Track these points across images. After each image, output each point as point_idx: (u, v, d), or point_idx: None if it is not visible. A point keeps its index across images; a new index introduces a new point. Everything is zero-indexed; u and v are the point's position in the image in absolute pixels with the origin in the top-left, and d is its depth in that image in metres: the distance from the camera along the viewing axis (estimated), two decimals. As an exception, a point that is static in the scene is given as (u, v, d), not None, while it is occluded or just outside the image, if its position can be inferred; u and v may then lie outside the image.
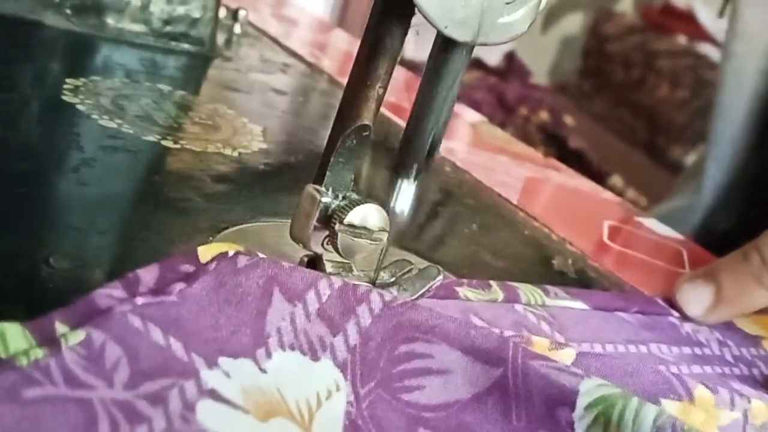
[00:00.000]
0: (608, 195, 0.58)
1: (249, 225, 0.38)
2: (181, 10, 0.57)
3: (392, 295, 0.30)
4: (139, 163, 0.40)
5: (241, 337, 0.27)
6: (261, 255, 0.29)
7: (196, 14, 0.58)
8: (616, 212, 0.55)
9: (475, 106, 1.44)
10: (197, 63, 0.58)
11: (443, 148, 0.57)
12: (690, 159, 2.27)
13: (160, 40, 0.56)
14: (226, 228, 0.37)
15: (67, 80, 0.46)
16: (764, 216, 0.94)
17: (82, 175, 0.37)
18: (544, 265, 0.44)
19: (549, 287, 0.37)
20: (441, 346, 0.29)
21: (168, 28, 0.57)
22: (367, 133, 0.32)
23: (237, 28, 0.66)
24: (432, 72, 0.32)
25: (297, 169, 0.45)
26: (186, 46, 0.57)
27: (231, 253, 0.28)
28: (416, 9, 0.29)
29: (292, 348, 0.28)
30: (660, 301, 0.40)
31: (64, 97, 0.44)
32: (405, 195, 0.33)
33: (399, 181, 0.33)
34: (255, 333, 0.27)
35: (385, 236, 0.32)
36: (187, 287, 0.27)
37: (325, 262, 0.33)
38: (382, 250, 0.34)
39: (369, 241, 0.31)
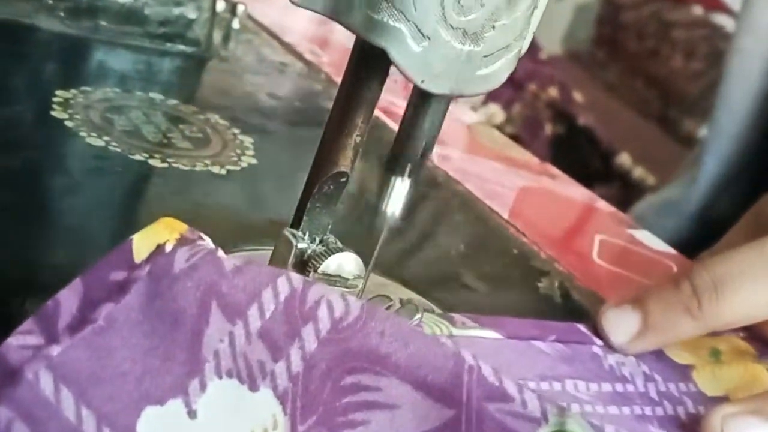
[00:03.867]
0: (602, 204, 0.58)
1: (232, 254, 0.38)
2: (176, 11, 0.57)
3: (344, 306, 0.27)
4: (124, 188, 0.40)
5: (173, 366, 0.25)
6: (205, 241, 0.27)
7: (192, 15, 0.57)
8: (608, 225, 0.55)
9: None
10: (192, 65, 0.57)
11: (438, 156, 0.57)
12: (702, 132, 2.25)
13: (155, 41, 0.56)
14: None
15: (57, 92, 0.46)
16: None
17: (65, 204, 0.37)
18: (528, 289, 0.44)
19: (456, 315, 0.35)
20: (390, 378, 0.28)
21: (163, 30, 0.56)
22: (344, 180, 0.32)
23: (236, 23, 0.66)
24: (412, 117, 0.31)
25: (286, 187, 0.45)
26: (182, 47, 0.57)
27: (169, 248, 0.26)
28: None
29: (230, 375, 0.26)
30: (582, 329, 0.38)
31: (53, 113, 0.44)
32: (398, 194, 0.32)
33: (392, 179, 0.32)
34: (190, 359, 0.25)
35: (360, 283, 0.32)
36: (115, 306, 0.25)
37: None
38: (362, 287, 0.34)
39: (345, 289, 0.32)
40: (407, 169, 0.32)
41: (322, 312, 0.27)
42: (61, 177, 0.39)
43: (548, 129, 1.51)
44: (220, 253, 0.29)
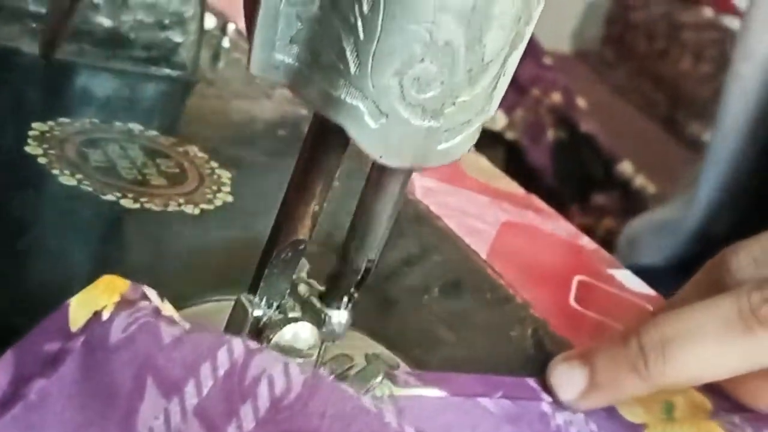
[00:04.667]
0: (585, 241, 0.58)
1: (200, 306, 0.38)
2: (162, 35, 0.56)
3: (285, 382, 0.27)
4: (93, 233, 0.40)
5: None
6: (149, 300, 0.27)
7: (178, 39, 0.57)
8: (588, 264, 0.55)
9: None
10: (178, 90, 0.57)
11: (421, 188, 0.56)
12: (709, 136, 2.24)
13: (140, 65, 0.56)
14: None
15: (34, 125, 0.46)
16: (763, 223, 0.94)
17: (31, 255, 0.37)
18: (500, 338, 0.44)
19: (400, 374, 0.35)
20: None
21: (148, 54, 0.56)
22: (302, 247, 0.31)
23: (225, 42, 0.66)
24: (370, 194, 0.31)
25: (260, 229, 0.45)
26: (167, 71, 0.57)
27: (106, 316, 0.26)
28: (351, 136, 0.28)
29: None
30: (532, 383, 0.38)
31: (27, 148, 0.44)
32: (336, 322, 0.32)
33: (329, 309, 0.32)
34: None
35: (316, 352, 0.32)
36: (48, 380, 0.25)
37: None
38: (320, 351, 0.34)
39: (299, 359, 0.31)
40: (344, 303, 0.32)
41: (262, 389, 0.26)
42: (27, 221, 0.39)
43: (550, 134, 1.50)
44: (167, 309, 0.28)
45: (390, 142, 0.28)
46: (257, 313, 0.31)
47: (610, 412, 0.38)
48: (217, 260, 0.41)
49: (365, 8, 0.26)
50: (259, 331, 0.31)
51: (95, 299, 0.26)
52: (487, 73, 0.29)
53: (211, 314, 0.37)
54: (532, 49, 1.57)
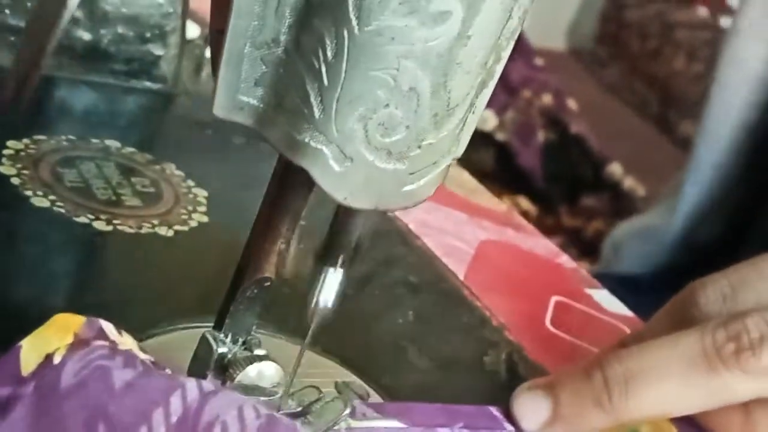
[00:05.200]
0: (564, 259, 0.58)
1: (170, 334, 0.37)
2: (142, 48, 0.56)
3: (239, 428, 0.26)
4: (64, 257, 0.40)
5: None
6: (105, 338, 0.26)
7: (159, 52, 0.57)
8: (566, 284, 0.55)
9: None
10: (158, 103, 0.57)
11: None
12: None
13: (120, 78, 0.56)
14: (142, 338, 0.36)
15: (9, 143, 0.45)
16: (746, 232, 0.94)
17: (0, 281, 0.36)
18: (473, 364, 0.44)
19: (358, 405, 0.34)
20: None
21: (128, 67, 0.56)
22: (267, 284, 0.31)
23: (208, 52, 0.65)
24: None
25: (234, 252, 0.45)
26: (148, 84, 0.57)
27: (57, 359, 0.25)
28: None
29: None
30: (495, 412, 0.37)
31: (1, 168, 0.43)
32: (330, 284, 0.32)
33: (324, 269, 0.32)
34: None
35: (280, 392, 0.32)
36: None
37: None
38: (292, 375, 0.33)
39: (263, 397, 0.31)
40: (340, 260, 0.32)
41: None
42: (-1, 243, 0.39)
43: (540, 136, 1.50)
44: (126, 342, 0.28)
45: (354, 184, 0.28)
46: (222, 350, 0.31)
47: None
48: (189, 285, 0.41)
49: (329, 54, 0.26)
50: (225, 368, 0.31)
51: (47, 341, 0.26)
52: (454, 117, 0.28)
53: (181, 343, 0.37)
54: (524, 50, 1.58)
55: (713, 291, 0.40)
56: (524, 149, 1.48)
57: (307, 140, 0.27)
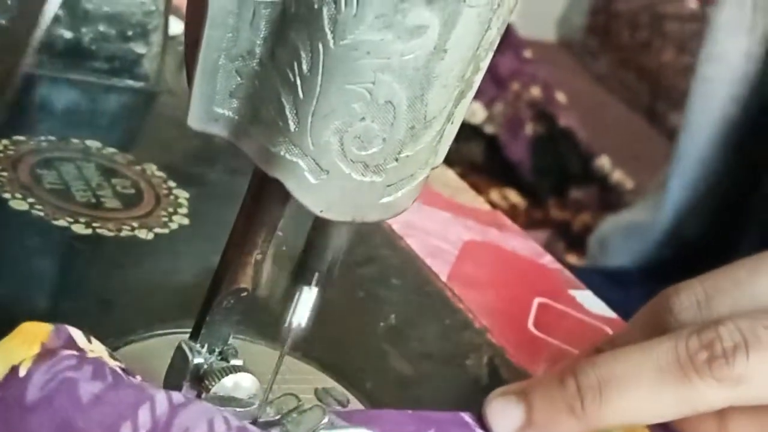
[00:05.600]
0: (547, 260, 0.57)
1: (148, 341, 0.37)
2: (124, 46, 0.56)
3: None
4: (42, 261, 0.40)
5: None
6: (74, 348, 0.26)
7: (141, 50, 0.56)
8: (550, 285, 0.55)
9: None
10: (140, 101, 0.56)
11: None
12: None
13: (102, 77, 0.55)
14: (120, 345, 0.36)
15: (-12, 144, 0.45)
16: (733, 226, 0.94)
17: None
18: (455, 367, 0.44)
19: (327, 415, 0.34)
20: None
21: (110, 65, 0.55)
22: (244, 294, 0.31)
23: (192, 48, 0.65)
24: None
25: (216, 255, 0.45)
26: (130, 82, 0.56)
27: (23, 372, 0.25)
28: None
29: None
30: (467, 418, 0.37)
31: (-21, 170, 0.43)
32: (305, 303, 0.32)
33: (299, 288, 0.32)
34: None
35: (256, 403, 0.31)
36: None
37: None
38: (269, 384, 0.33)
39: (239, 408, 0.31)
40: (315, 279, 0.32)
41: None
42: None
43: (529, 129, 1.50)
44: (96, 349, 0.28)
45: (330, 197, 0.28)
46: (197, 360, 0.31)
47: None
48: (168, 290, 0.41)
49: (304, 68, 0.26)
50: (200, 378, 0.31)
51: (13, 352, 0.25)
52: (431, 129, 0.28)
53: (159, 350, 0.36)
54: (513, 43, 1.57)
55: (687, 297, 0.40)
56: (513, 142, 1.48)
57: (282, 153, 0.27)
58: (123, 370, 0.28)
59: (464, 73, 0.28)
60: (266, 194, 0.29)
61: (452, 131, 0.31)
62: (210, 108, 0.28)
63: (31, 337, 0.26)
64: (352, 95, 0.26)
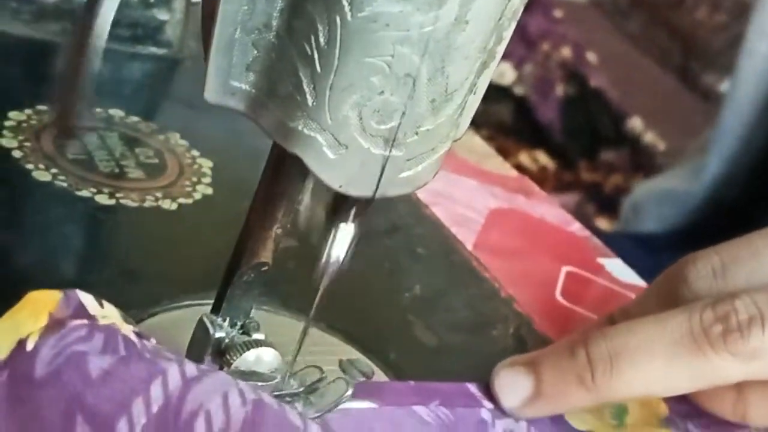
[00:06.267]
0: (575, 227, 0.57)
1: (174, 311, 0.37)
2: (146, 13, 0.55)
3: (224, 419, 0.26)
4: (65, 232, 0.40)
5: None
6: (80, 319, 0.25)
7: (164, 17, 0.56)
8: (578, 253, 0.54)
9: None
10: (162, 69, 0.56)
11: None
12: (724, 86, 2.21)
13: (125, 44, 0.55)
14: (144, 317, 0.36)
15: (11, 114, 0.45)
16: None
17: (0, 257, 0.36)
18: (481, 338, 0.44)
19: None
20: None
21: (133, 32, 0.55)
22: (265, 269, 0.31)
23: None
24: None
25: (240, 225, 0.44)
26: (153, 49, 0.56)
27: (30, 345, 0.24)
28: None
29: None
30: (473, 389, 0.36)
31: (2, 140, 0.43)
32: (342, 239, 0.31)
33: (335, 224, 0.31)
34: None
35: (278, 377, 0.31)
36: None
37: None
38: (295, 354, 0.33)
39: (261, 382, 0.31)
40: (352, 213, 0.31)
41: (199, 426, 0.25)
42: (-1, 220, 0.38)
43: (559, 90, 1.49)
44: (109, 314, 0.27)
45: (350, 172, 0.28)
46: (219, 334, 0.31)
47: (555, 419, 0.37)
48: (192, 261, 0.41)
49: (322, 41, 0.25)
50: (222, 353, 0.31)
51: (20, 324, 0.25)
52: (452, 102, 0.28)
53: (183, 322, 0.36)
54: (542, 2, 1.55)
55: (703, 266, 0.38)
56: (543, 103, 1.47)
57: (300, 128, 0.27)
58: (137, 334, 0.28)
59: (486, 43, 0.27)
60: (285, 169, 0.29)
61: (474, 102, 0.30)
62: (226, 81, 0.27)
63: (39, 306, 0.25)
64: (370, 68, 0.26)
